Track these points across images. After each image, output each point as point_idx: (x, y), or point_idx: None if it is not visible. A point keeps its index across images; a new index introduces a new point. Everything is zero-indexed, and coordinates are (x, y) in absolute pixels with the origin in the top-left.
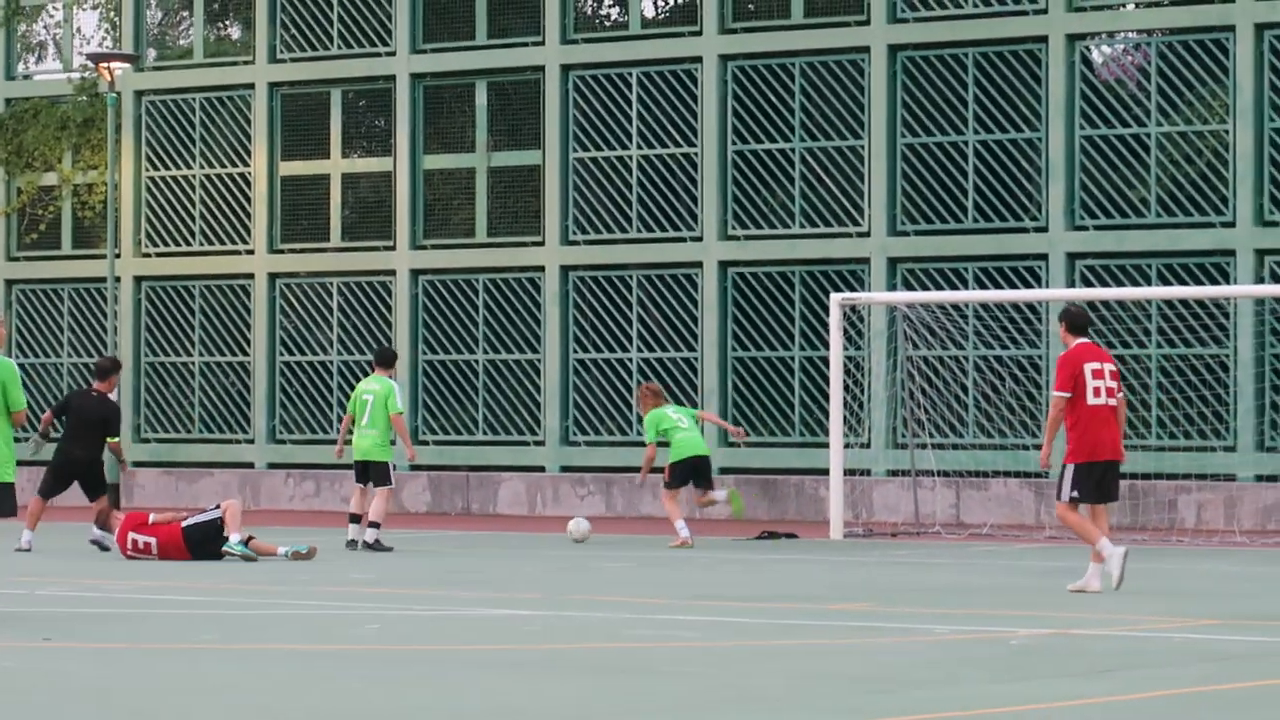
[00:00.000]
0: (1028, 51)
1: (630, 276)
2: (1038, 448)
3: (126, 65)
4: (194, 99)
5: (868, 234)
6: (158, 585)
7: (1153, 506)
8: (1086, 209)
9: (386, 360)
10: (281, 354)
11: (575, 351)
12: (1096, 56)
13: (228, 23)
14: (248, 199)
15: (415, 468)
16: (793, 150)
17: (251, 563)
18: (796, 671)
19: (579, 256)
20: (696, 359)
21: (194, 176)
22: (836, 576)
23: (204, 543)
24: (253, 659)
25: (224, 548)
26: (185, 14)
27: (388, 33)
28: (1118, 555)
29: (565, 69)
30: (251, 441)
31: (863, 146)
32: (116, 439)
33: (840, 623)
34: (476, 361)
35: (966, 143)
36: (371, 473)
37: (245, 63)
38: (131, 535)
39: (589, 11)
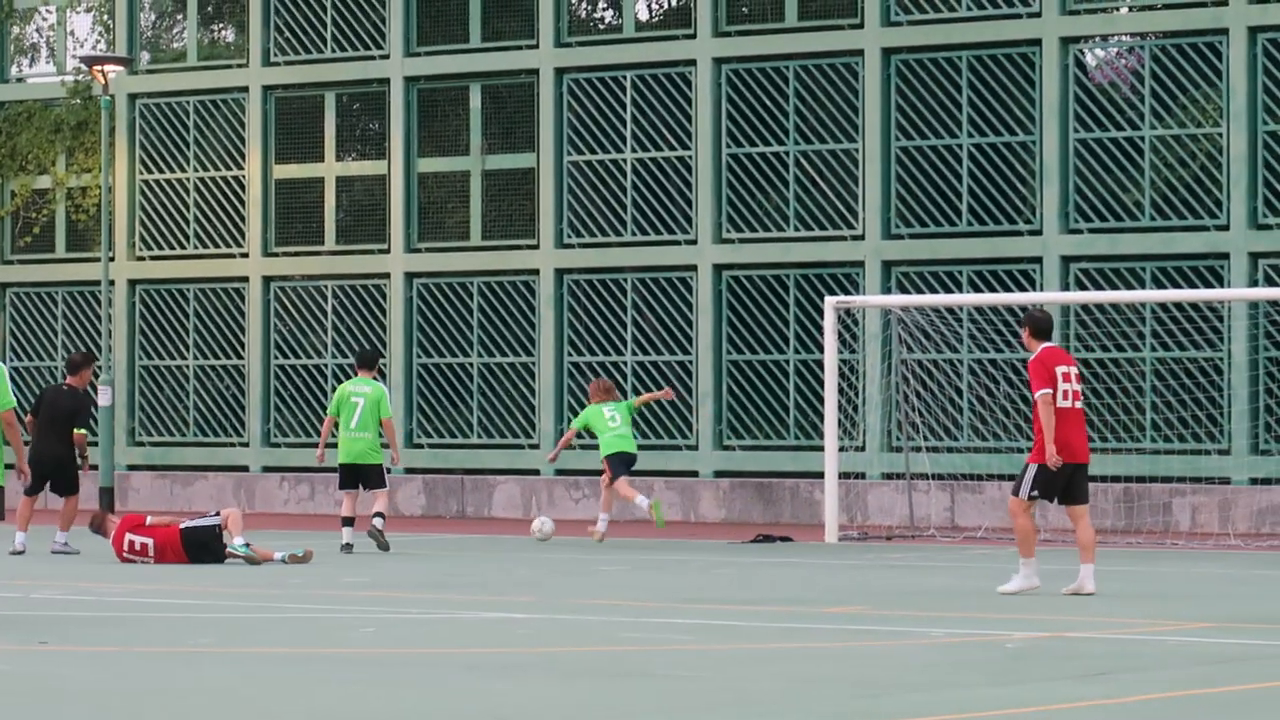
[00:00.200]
0: (1022, 55)
1: (625, 280)
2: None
3: (120, 68)
4: (188, 102)
5: (862, 237)
6: (153, 589)
7: (1147, 509)
8: (1081, 212)
9: (370, 361)
10: (276, 357)
11: (570, 355)
12: (1090, 60)
13: (221, 25)
14: (242, 202)
15: (409, 470)
16: (787, 153)
17: (254, 565)
18: (792, 675)
19: (573, 260)
20: (691, 362)
21: (188, 180)
22: (831, 580)
23: (202, 547)
24: (248, 662)
25: (228, 548)
26: (179, 17)
27: (382, 35)
28: (1025, 578)
29: (559, 72)
30: (246, 445)
31: (857, 150)
32: (82, 431)
33: (835, 626)
34: (471, 365)
35: (961, 146)
36: (365, 477)
37: (239, 65)
38: (129, 536)
39: (583, 15)
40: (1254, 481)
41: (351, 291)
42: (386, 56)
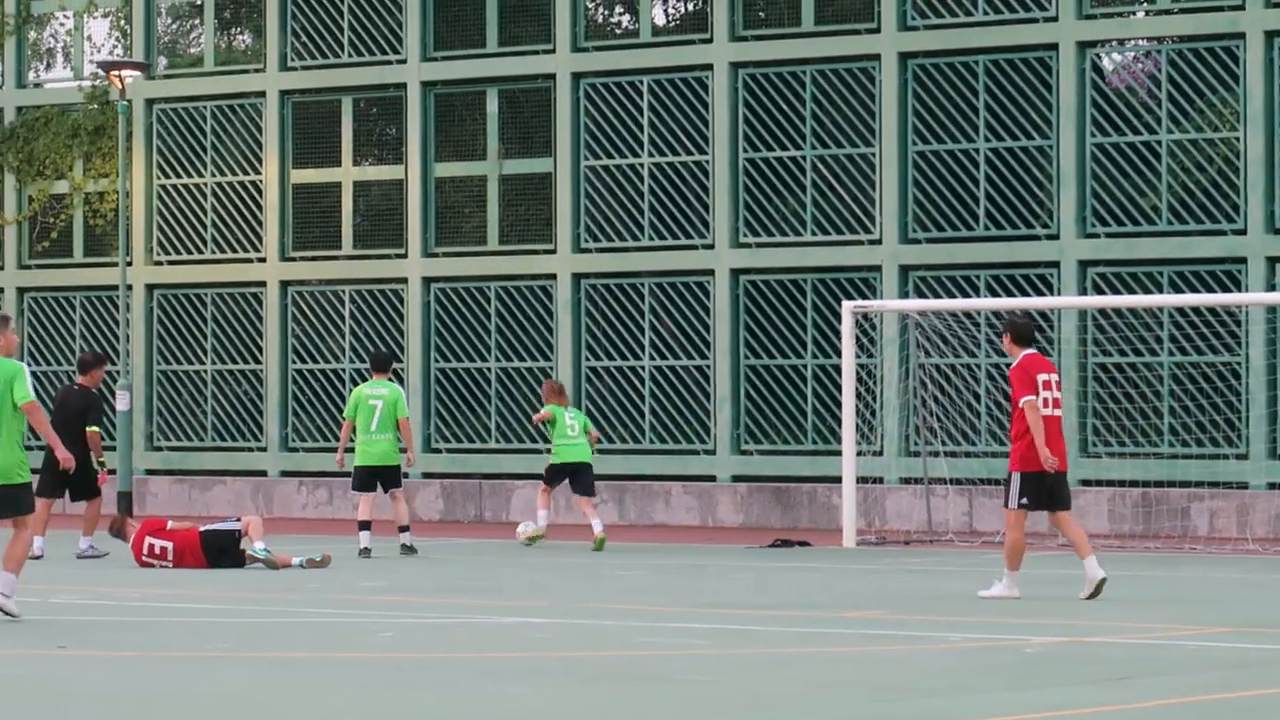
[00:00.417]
0: (1039, 59)
1: (642, 284)
2: None
3: (137, 73)
4: (205, 107)
5: (879, 241)
6: (171, 594)
7: (1165, 514)
8: (1098, 216)
9: (385, 364)
10: (293, 362)
11: (587, 359)
12: (1107, 64)
13: (239, 30)
14: (259, 207)
15: (427, 475)
16: (804, 158)
17: (273, 570)
18: (809, 680)
19: (591, 264)
20: (709, 366)
21: (205, 184)
22: (849, 584)
23: (221, 552)
24: (266, 667)
25: (249, 550)
26: (196, 22)
27: (399, 40)
28: (1007, 588)
29: (576, 77)
30: (264, 449)
31: (874, 154)
32: (95, 429)
33: (853, 631)
34: (489, 369)
35: (978, 150)
36: (386, 478)
37: (256, 70)
38: (149, 540)
39: (600, 19)
40: (1272, 486)
41: (369, 296)
42: (404, 61)
